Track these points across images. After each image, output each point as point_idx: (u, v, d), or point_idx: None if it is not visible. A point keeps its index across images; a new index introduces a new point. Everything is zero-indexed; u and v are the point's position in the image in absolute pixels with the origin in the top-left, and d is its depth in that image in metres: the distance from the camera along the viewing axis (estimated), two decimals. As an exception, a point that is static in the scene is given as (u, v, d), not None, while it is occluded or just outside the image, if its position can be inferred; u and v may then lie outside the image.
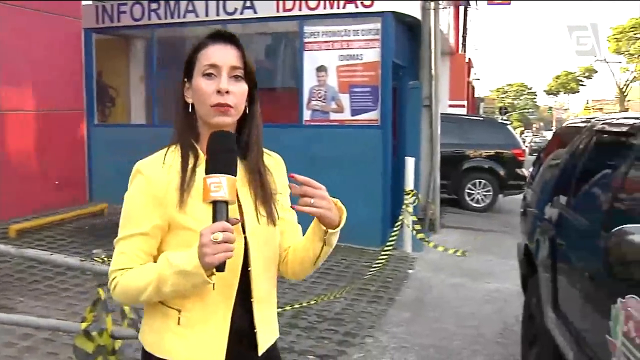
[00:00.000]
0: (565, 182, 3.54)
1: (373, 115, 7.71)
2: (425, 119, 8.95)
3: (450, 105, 17.43)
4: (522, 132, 57.86)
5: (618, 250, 1.97)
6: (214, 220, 1.34)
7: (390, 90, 7.74)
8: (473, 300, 5.71)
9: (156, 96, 9.17)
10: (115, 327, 3.12)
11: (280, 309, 3.58)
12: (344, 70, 7.81)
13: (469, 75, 23.13)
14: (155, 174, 1.48)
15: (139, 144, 7.85)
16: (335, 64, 7.83)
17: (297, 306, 4.93)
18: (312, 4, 7.87)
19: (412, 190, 7.29)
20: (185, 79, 1.53)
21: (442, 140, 9.22)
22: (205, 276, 1.35)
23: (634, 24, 44.58)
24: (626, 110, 42.48)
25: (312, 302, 4.94)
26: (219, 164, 1.39)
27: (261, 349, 1.56)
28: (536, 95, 78.49)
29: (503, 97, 73.24)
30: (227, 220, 1.34)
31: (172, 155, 1.51)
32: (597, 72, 60.58)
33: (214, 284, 1.39)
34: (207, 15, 8.49)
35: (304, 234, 1.61)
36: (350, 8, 7.70)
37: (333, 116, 7.93)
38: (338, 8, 7.75)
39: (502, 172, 11.56)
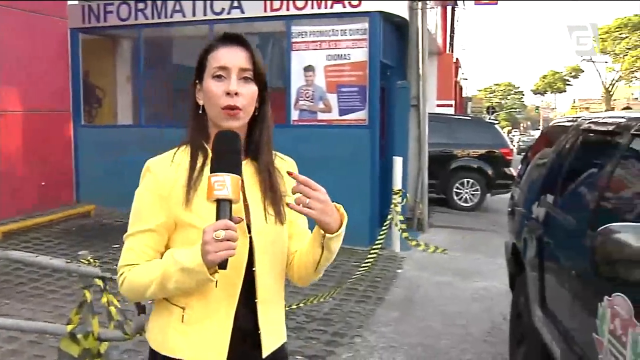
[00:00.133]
0: (552, 181, 3.56)
1: (361, 115, 7.72)
2: (413, 118, 8.96)
3: (438, 105, 17.49)
4: (509, 132, 58.16)
5: (604, 249, 1.98)
6: (217, 218, 1.36)
7: (378, 90, 7.75)
8: (461, 299, 5.72)
9: (143, 96, 9.11)
10: (102, 329, 3.09)
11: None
12: (332, 70, 7.81)
13: (456, 75, 23.24)
14: (162, 171, 1.50)
15: (126, 144, 7.93)
16: (323, 64, 7.83)
17: (286, 308, 4.90)
18: (300, 4, 7.86)
19: (400, 190, 7.30)
20: (197, 81, 1.54)
21: (430, 140, 9.25)
22: (207, 274, 1.36)
23: (619, 24, 45.13)
24: (612, 109, 42.84)
25: (302, 305, 4.93)
26: (223, 163, 1.40)
27: (266, 351, 1.55)
28: (523, 94, 79.20)
29: (491, 97, 73.78)
30: (230, 219, 1.35)
31: (182, 154, 1.53)
32: (583, 71, 61.30)
33: (216, 281, 1.40)
34: (194, 15, 8.47)
35: None
36: (338, 8, 7.71)
37: (321, 116, 7.93)
38: (325, 8, 7.76)
39: (490, 172, 11.58)
